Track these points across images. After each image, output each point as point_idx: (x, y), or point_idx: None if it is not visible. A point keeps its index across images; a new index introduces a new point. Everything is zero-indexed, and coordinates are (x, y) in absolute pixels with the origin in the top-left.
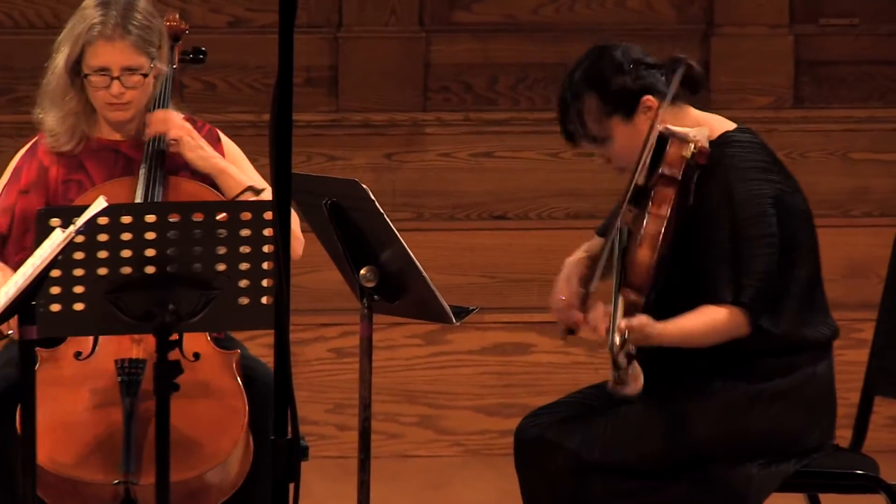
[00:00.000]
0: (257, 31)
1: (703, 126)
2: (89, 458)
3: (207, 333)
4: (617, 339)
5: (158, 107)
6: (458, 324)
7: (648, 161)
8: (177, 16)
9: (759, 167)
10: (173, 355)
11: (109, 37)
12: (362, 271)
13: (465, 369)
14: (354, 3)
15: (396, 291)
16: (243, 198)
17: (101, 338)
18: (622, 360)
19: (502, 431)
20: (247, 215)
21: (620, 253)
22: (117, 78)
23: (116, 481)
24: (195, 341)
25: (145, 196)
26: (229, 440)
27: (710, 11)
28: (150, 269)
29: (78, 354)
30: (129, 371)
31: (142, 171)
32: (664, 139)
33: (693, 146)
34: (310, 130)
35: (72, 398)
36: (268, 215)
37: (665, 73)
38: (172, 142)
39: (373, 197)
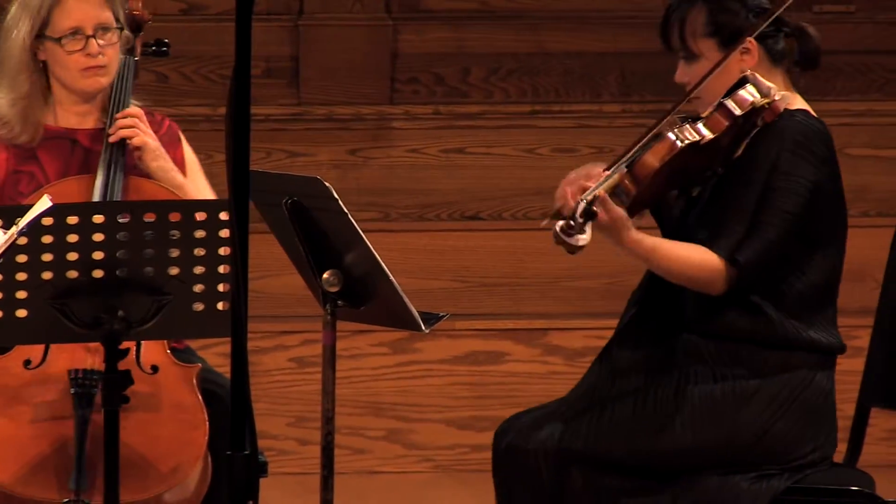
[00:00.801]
0: (213, 19)
1: (786, 94)
2: (37, 474)
3: (166, 345)
4: (589, 196)
5: (120, 96)
6: (428, 331)
7: (720, 96)
8: (140, 3)
9: (815, 153)
10: (125, 365)
11: None
12: (325, 275)
13: (434, 380)
14: None
15: (362, 297)
16: None
17: (52, 346)
18: (581, 215)
19: (475, 446)
20: (201, 215)
21: (636, 152)
22: (92, 36)
23: (66, 500)
24: (153, 353)
25: (103, 196)
26: (189, 459)
27: None
28: (98, 274)
29: (27, 363)
30: (82, 382)
31: (100, 169)
32: (745, 81)
33: (768, 99)
34: (269, 125)
35: (20, 409)
36: (224, 215)
37: (780, 33)
38: (136, 149)
39: (336, 196)
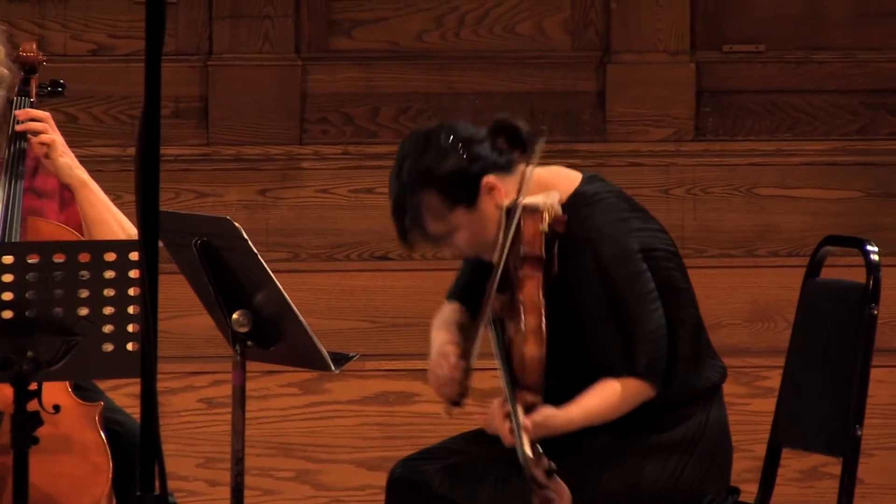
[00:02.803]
0: (122, 60)
1: (550, 189)
2: None
3: (68, 384)
4: (529, 452)
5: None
6: (338, 371)
7: (508, 242)
8: (34, 45)
9: (618, 219)
10: (32, 406)
11: None
12: (235, 315)
13: (344, 420)
14: (226, 30)
15: (271, 337)
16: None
17: None
18: (541, 476)
19: (384, 487)
20: (111, 256)
21: (501, 348)
22: None
23: None
24: (55, 392)
25: (2, 237)
26: (90, 499)
27: (606, 37)
28: (7, 314)
29: None
30: None
31: None
32: (512, 213)
33: (547, 215)
34: (178, 165)
35: None
36: (133, 256)
37: (494, 143)
38: (43, 145)
39: (246, 236)
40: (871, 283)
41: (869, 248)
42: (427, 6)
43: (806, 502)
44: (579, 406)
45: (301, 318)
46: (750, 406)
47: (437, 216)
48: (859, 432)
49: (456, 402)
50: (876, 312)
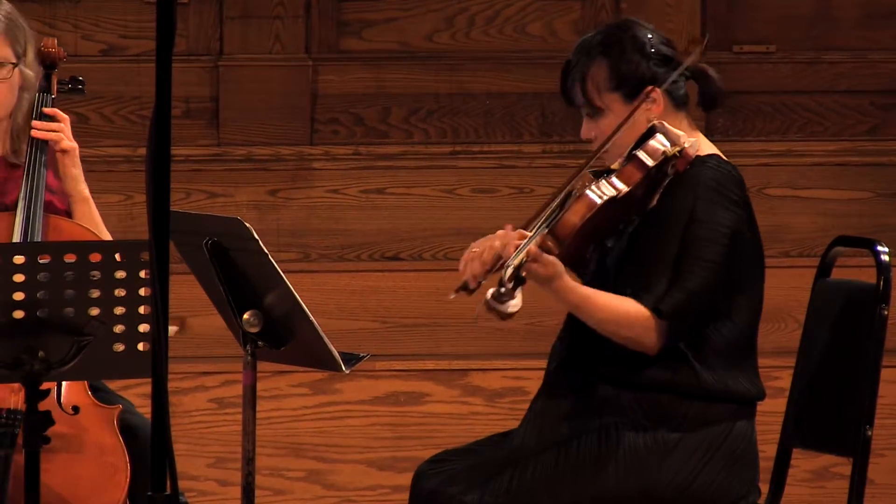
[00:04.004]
0: (132, 60)
1: (695, 141)
2: None
3: (87, 386)
4: (518, 258)
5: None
6: (348, 372)
7: (629, 147)
8: (55, 41)
9: (730, 198)
10: (46, 405)
11: None
12: (245, 316)
13: (355, 420)
14: (236, 30)
15: (282, 337)
16: None
17: None
18: (510, 281)
19: (395, 487)
20: (122, 256)
21: (560, 204)
22: None
23: None
24: (74, 394)
25: (24, 236)
26: (109, 501)
27: None
28: (18, 314)
29: None
30: (4, 422)
31: (20, 208)
32: (654, 131)
33: (677, 146)
34: (189, 165)
35: None
36: (144, 256)
37: (682, 77)
38: (62, 152)
39: (256, 236)
40: (882, 283)
41: (879, 248)
42: (437, 7)
43: (816, 503)
44: (590, 291)
45: (312, 318)
46: (761, 406)
47: (595, 87)
48: (869, 433)
49: (467, 286)
50: (886, 313)
